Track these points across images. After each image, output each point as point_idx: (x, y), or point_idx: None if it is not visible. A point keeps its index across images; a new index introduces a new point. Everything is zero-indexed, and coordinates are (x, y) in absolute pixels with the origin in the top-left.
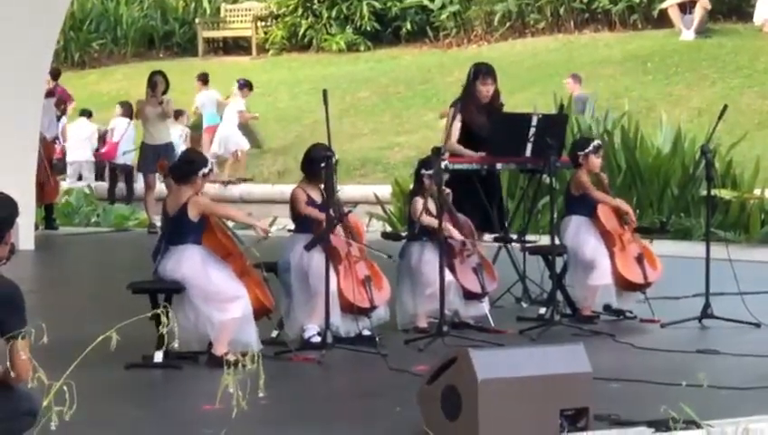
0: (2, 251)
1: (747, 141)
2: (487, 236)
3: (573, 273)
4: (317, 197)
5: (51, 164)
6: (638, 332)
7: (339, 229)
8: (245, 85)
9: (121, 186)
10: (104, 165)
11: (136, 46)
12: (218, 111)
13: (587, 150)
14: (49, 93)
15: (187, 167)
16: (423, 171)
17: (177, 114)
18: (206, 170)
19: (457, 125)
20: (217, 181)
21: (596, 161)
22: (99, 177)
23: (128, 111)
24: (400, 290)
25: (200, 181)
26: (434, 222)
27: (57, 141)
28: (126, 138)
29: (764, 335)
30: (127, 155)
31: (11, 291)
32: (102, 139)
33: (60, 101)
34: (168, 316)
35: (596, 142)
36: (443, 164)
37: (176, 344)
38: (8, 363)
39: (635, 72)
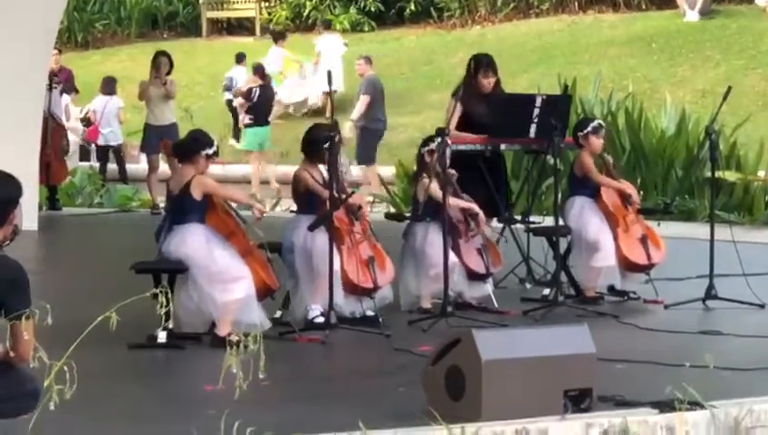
0: (5, 232)
1: (751, 123)
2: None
3: (577, 254)
4: (319, 178)
5: (59, 146)
6: (642, 313)
7: (341, 211)
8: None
9: (113, 166)
10: (90, 146)
11: (139, 27)
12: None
13: (586, 131)
14: (53, 74)
15: (191, 145)
16: (422, 150)
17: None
18: (209, 151)
19: (457, 114)
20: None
21: (596, 142)
22: (84, 158)
23: (107, 87)
24: (404, 271)
25: (203, 161)
26: (440, 194)
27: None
28: (106, 115)
29: None
30: (112, 134)
31: (15, 271)
32: (88, 120)
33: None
34: (167, 297)
35: (595, 123)
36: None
37: (170, 324)
38: (8, 343)
39: (639, 53)
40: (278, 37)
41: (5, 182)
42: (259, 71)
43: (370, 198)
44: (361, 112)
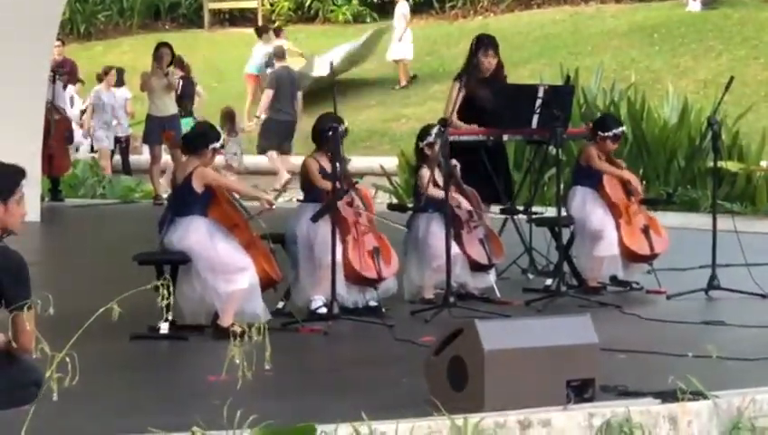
0: (7, 220)
1: (753, 113)
2: (494, 208)
3: (580, 244)
4: (329, 166)
5: (62, 137)
6: (645, 303)
7: (355, 198)
8: None
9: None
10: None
11: (142, 18)
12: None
13: (606, 135)
14: (57, 66)
15: (199, 139)
16: (421, 143)
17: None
18: (216, 145)
19: (459, 99)
20: None
21: (610, 147)
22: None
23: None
24: (407, 262)
25: (210, 154)
26: (440, 193)
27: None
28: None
29: None
30: (119, 125)
31: (16, 262)
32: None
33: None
34: (168, 289)
35: (619, 130)
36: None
37: (170, 316)
38: (10, 333)
39: (641, 43)
40: (262, 32)
41: (5, 172)
42: (179, 63)
43: (373, 189)
44: (264, 107)
